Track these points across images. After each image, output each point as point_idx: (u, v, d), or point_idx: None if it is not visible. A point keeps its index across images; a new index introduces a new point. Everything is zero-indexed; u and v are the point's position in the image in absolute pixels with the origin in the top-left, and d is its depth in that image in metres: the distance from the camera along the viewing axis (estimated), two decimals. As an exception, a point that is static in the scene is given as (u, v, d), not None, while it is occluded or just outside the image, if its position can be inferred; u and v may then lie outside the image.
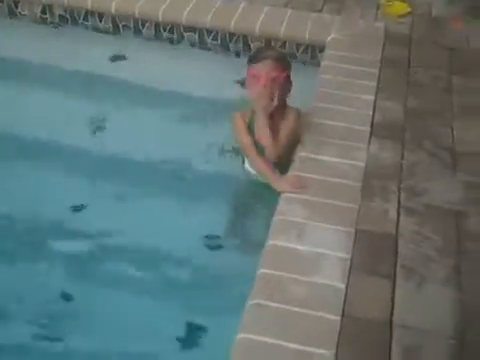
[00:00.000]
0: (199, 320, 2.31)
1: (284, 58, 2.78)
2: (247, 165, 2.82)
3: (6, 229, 2.65)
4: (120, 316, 2.31)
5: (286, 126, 2.71)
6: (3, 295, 2.36)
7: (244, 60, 3.20)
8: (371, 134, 2.78)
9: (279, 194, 2.49)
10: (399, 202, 2.44)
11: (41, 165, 2.96)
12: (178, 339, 2.27)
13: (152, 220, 2.68)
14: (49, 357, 2.22)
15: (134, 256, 2.57)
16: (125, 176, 2.95)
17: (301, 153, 2.65)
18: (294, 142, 2.72)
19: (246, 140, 2.72)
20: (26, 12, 3.90)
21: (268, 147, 2.66)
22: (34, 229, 2.66)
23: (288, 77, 2.71)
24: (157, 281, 2.48)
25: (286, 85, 2.71)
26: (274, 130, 2.67)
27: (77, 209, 2.76)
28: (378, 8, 3.87)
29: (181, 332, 2.28)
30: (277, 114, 2.69)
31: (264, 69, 2.66)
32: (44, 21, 3.89)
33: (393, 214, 2.38)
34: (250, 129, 2.72)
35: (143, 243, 2.60)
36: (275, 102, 2.65)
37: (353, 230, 2.29)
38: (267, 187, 2.69)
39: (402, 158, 2.67)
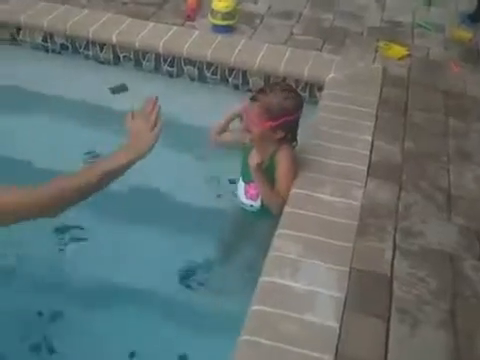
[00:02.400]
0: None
1: (273, 108, 2.52)
2: (239, 196, 2.80)
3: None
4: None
5: (279, 172, 2.64)
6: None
7: (242, 93, 3.22)
8: (368, 174, 2.79)
9: (271, 226, 2.49)
10: (395, 243, 2.43)
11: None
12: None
13: (139, 255, 2.67)
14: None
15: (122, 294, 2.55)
16: (119, 202, 2.92)
17: (297, 190, 2.65)
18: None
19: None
20: (27, 39, 3.93)
21: (270, 204, 2.66)
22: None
23: (273, 127, 2.54)
24: (144, 321, 2.44)
25: (269, 133, 2.57)
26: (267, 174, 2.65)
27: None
28: (376, 51, 3.93)
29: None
30: (267, 156, 2.66)
31: (248, 110, 2.59)
32: (45, 49, 3.92)
33: (388, 255, 2.37)
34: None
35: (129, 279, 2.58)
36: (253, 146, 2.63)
37: (348, 269, 2.28)
38: (259, 218, 2.68)
39: (398, 199, 2.67)
